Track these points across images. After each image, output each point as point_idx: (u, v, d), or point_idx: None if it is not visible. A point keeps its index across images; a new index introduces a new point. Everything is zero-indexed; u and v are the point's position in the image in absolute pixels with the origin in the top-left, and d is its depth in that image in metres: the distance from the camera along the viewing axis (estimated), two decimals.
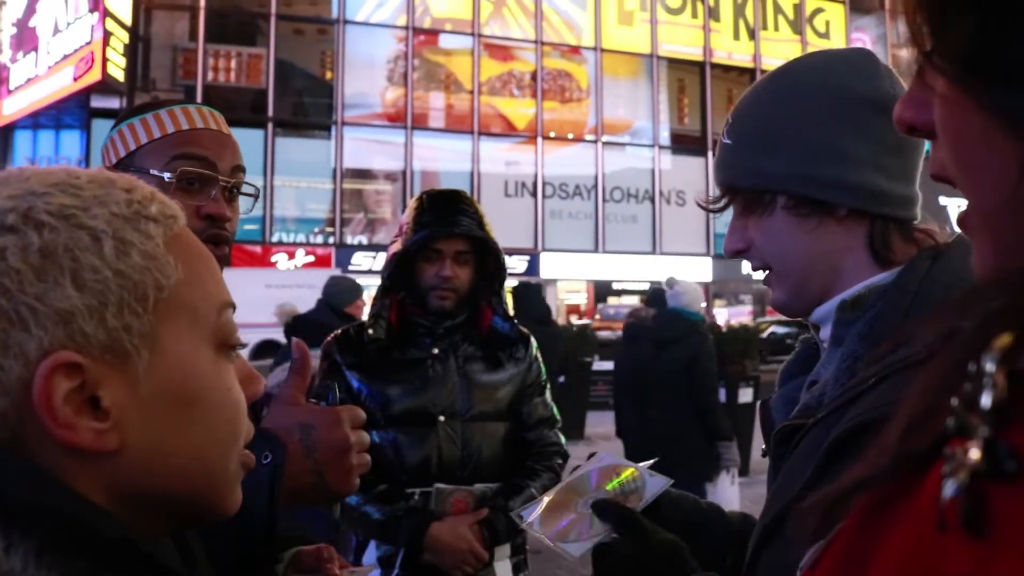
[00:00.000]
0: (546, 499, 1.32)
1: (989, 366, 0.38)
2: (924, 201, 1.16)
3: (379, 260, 21.90)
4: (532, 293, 8.70)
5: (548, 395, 2.62)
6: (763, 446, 1.27)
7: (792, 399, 1.21)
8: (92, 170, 0.74)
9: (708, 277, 28.59)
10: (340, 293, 5.85)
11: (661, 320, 6.13)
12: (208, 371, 0.73)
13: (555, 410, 2.62)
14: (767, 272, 1.19)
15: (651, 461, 1.36)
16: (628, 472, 1.30)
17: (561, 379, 12.33)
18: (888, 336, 1.03)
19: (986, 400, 0.37)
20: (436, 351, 2.43)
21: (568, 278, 27.85)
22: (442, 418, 2.38)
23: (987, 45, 0.43)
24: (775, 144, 1.14)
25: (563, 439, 2.61)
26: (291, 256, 25.08)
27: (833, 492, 0.49)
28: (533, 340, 2.61)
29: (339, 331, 2.50)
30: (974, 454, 0.37)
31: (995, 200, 0.46)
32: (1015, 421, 0.35)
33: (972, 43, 0.44)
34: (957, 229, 0.54)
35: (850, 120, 1.13)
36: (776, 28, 30.68)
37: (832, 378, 1.08)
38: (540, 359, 2.62)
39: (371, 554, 2.35)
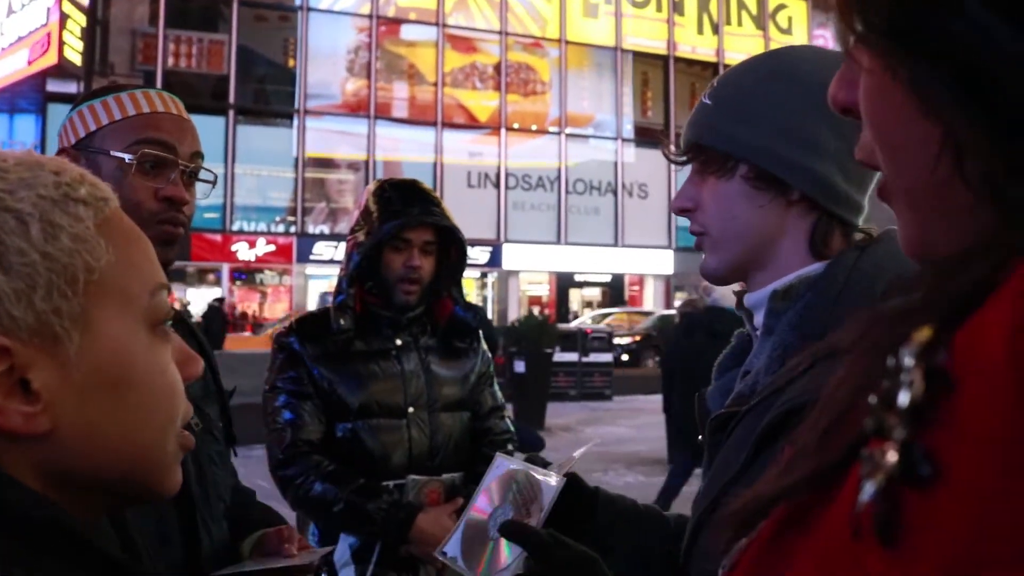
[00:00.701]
0: (461, 527, 1.31)
1: (907, 362, 0.36)
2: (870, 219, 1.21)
3: (341, 249, 21.77)
4: None
5: (496, 384, 2.65)
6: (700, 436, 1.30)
7: (728, 390, 1.24)
8: (20, 152, 0.73)
9: (670, 270, 28.79)
10: None
11: (714, 314, 6.57)
12: (142, 352, 0.72)
13: (501, 397, 2.66)
14: (703, 236, 1.22)
15: (542, 459, 1.38)
16: (522, 475, 1.30)
17: (521, 369, 12.39)
18: (818, 325, 1.07)
19: (903, 399, 0.35)
20: (399, 342, 2.42)
21: (531, 269, 27.89)
22: (411, 409, 2.38)
23: (907, 17, 0.42)
24: (755, 116, 1.16)
25: (512, 426, 2.64)
26: (252, 245, 24.89)
27: (751, 501, 0.48)
28: (481, 331, 2.62)
29: (295, 320, 2.47)
30: (891, 457, 0.35)
31: (916, 182, 0.45)
32: (933, 423, 0.34)
33: (892, 14, 0.43)
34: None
35: (829, 117, 1.14)
36: (739, 23, 30.89)
37: (764, 367, 1.11)
38: (487, 348, 2.65)
39: (342, 548, 2.33)
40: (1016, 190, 0.37)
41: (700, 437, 1.28)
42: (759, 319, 1.21)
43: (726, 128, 1.17)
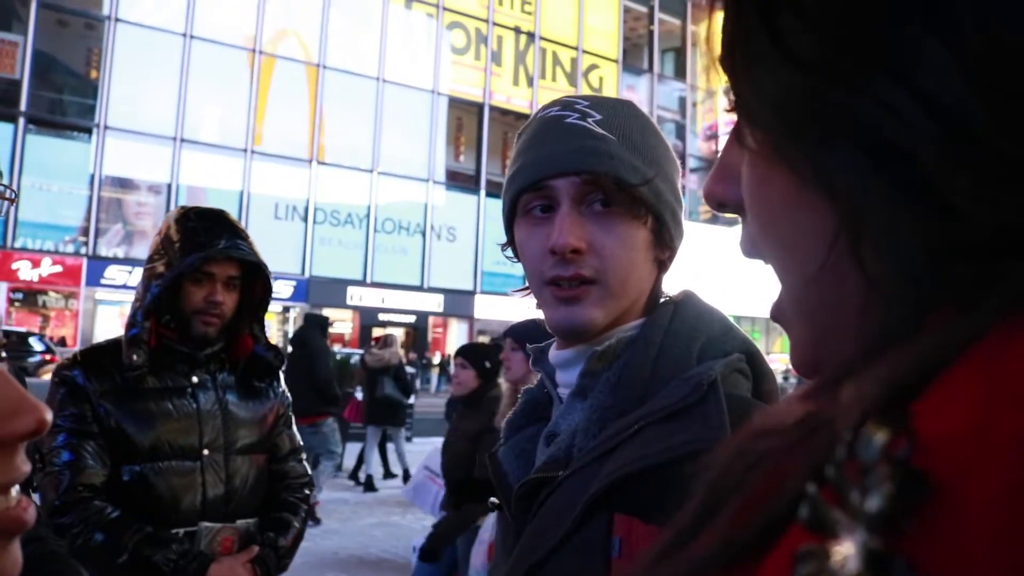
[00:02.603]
0: None
1: (869, 453, 0.32)
2: None
3: (136, 275, 20.79)
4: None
5: (294, 426, 2.56)
6: (492, 499, 1.25)
7: (523, 450, 1.20)
8: None
9: (474, 313, 29.06)
10: None
11: None
12: None
13: (299, 439, 2.58)
14: (590, 284, 1.11)
15: None
16: None
17: None
18: (637, 386, 1.05)
19: (872, 501, 0.31)
20: (195, 379, 2.29)
21: (334, 305, 27.49)
22: (206, 452, 2.24)
23: (804, 95, 0.39)
24: (652, 162, 1.14)
25: (309, 468, 2.56)
26: (36, 264, 23.33)
27: None
28: (281, 371, 2.53)
29: (79, 352, 2.28)
30: (851, 563, 0.30)
31: (805, 277, 0.42)
32: (909, 529, 0.30)
33: (783, 91, 0.40)
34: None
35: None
36: (554, 79, 31.91)
37: (582, 429, 1.07)
38: (287, 389, 2.56)
39: None
40: (931, 276, 0.35)
41: (494, 500, 1.23)
42: (563, 377, 1.18)
43: (636, 166, 1.12)
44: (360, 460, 10.88)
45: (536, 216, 1.14)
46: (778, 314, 0.48)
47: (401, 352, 11.02)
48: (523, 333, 4.00)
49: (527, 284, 1.20)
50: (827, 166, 0.38)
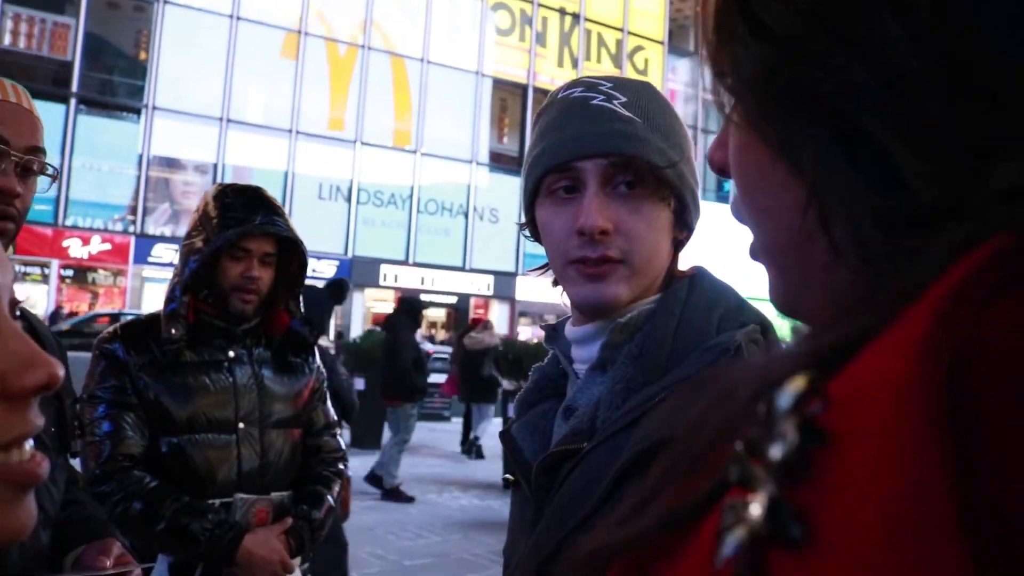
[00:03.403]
0: None
1: (780, 411, 0.34)
2: None
3: None
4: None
5: (328, 401, 2.60)
6: (505, 475, 1.27)
7: (539, 427, 1.22)
8: None
9: (516, 295, 29.09)
10: None
11: None
12: None
13: (334, 415, 2.62)
14: (617, 263, 1.13)
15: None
16: None
17: (362, 386, 12.21)
18: (659, 357, 1.08)
19: (776, 452, 0.33)
20: (232, 354, 2.34)
21: (376, 285, 27.65)
22: (242, 425, 2.29)
23: (771, 72, 0.41)
24: (675, 145, 1.16)
25: (343, 443, 2.60)
26: (86, 242, 23.73)
27: (595, 548, 0.45)
28: (316, 347, 2.57)
29: (119, 327, 2.34)
30: (755, 510, 0.33)
31: (780, 243, 0.45)
32: (806, 480, 0.31)
33: (757, 69, 0.42)
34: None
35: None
36: (599, 60, 31.71)
37: (605, 401, 1.08)
38: (322, 365, 2.60)
39: (160, 568, 2.22)
40: (882, 245, 0.36)
41: (509, 476, 1.25)
42: (581, 352, 1.20)
43: (662, 149, 1.13)
44: (467, 432, 11.95)
45: (561, 197, 1.15)
46: (754, 255, 0.51)
47: (498, 336, 12.03)
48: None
49: (546, 264, 1.23)
50: (793, 138, 0.40)
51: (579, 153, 1.12)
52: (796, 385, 0.34)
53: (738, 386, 0.40)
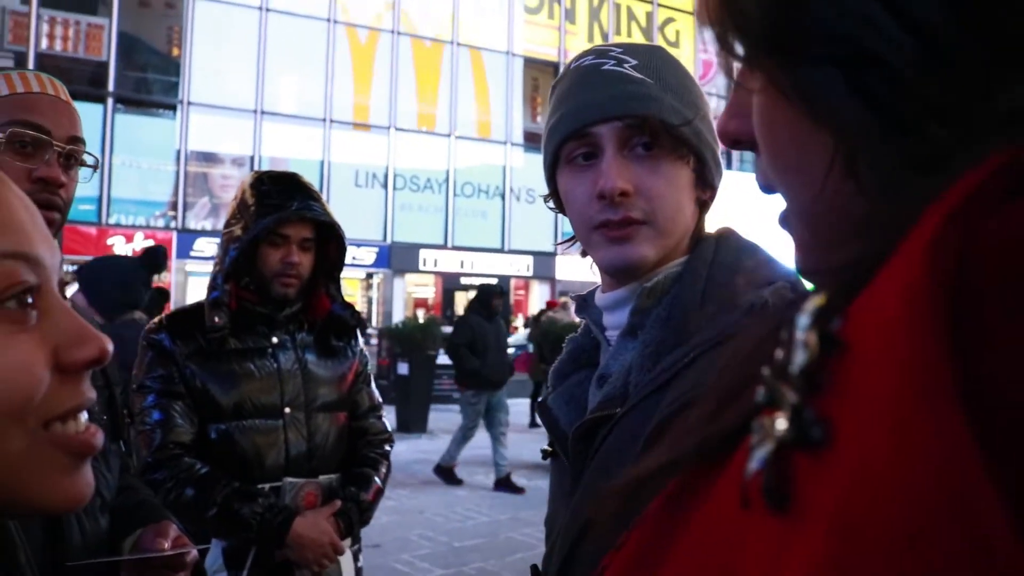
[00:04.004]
0: None
1: (801, 328, 0.35)
2: None
3: None
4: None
5: (373, 383, 2.62)
6: (544, 447, 1.28)
7: (574, 396, 1.23)
8: None
9: (555, 275, 29.06)
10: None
11: None
12: None
13: (378, 397, 2.64)
14: (641, 224, 1.15)
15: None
16: None
17: (405, 371, 12.32)
18: (688, 319, 1.08)
19: (795, 365, 0.35)
20: (275, 340, 2.36)
21: (416, 270, 27.75)
22: (288, 409, 2.32)
23: (779, 25, 0.41)
24: (690, 103, 1.17)
25: (389, 426, 2.61)
26: (129, 239, 24.05)
27: (637, 475, 0.47)
28: (359, 329, 2.58)
29: (165, 316, 2.37)
30: (780, 424, 0.34)
31: (811, 199, 0.45)
32: (825, 388, 0.33)
33: (765, 26, 0.42)
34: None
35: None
36: (629, 34, 31.42)
37: (636, 365, 1.09)
38: (364, 348, 2.61)
39: (215, 553, 2.25)
40: (906, 183, 0.37)
41: (545, 447, 1.27)
42: (612, 319, 1.21)
43: (678, 108, 1.14)
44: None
45: (579, 164, 1.17)
46: (784, 222, 0.50)
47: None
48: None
49: (573, 236, 1.24)
50: (815, 91, 0.40)
51: (594, 117, 1.13)
52: (815, 302, 0.36)
53: (766, 321, 0.42)
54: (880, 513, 0.28)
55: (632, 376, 1.09)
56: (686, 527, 0.43)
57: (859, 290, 0.34)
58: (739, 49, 0.45)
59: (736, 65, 0.48)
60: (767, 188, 0.51)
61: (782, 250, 1.13)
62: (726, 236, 1.20)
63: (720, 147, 1.21)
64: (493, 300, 9.46)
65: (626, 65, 1.15)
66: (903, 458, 0.28)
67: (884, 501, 0.28)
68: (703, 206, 1.21)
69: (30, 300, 0.66)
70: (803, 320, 0.35)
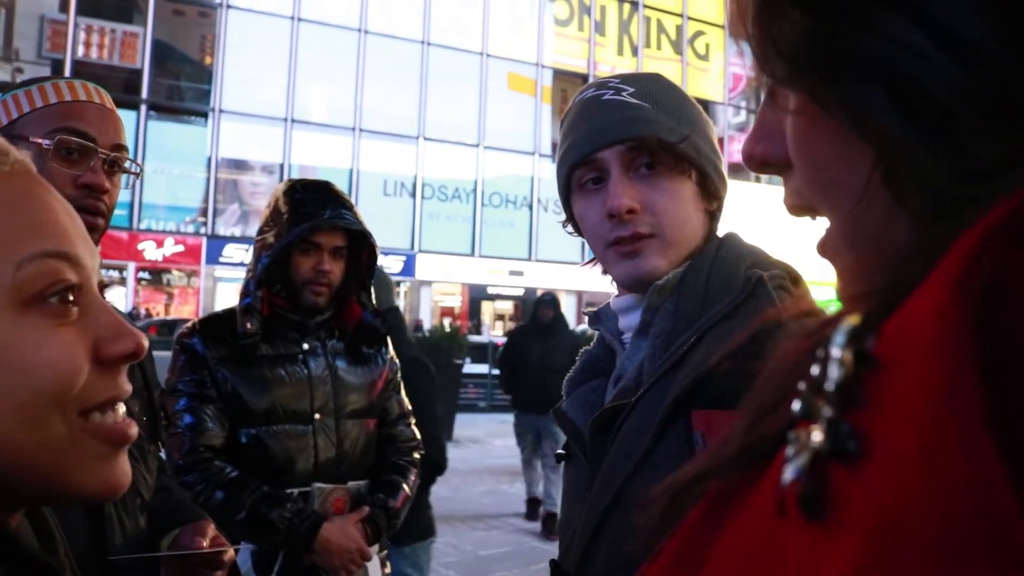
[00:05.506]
0: None
1: (836, 346, 0.36)
2: None
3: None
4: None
5: (403, 391, 2.63)
6: (558, 451, 1.35)
7: (589, 401, 1.28)
8: None
9: (582, 286, 29.04)
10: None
11: None
12: (2, 332, 0.65)
13: (408, 405, 2.64)
14: (648, 238, 1.22)
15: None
16: None
17: None
18: (694, 310, 1.15)
19: (831, 381, 0.36)
20: (306, 346, 2.37)
21: (443, 280, 27.83)
22: (318, 416, 2.33)
23: (821, 45, 0.41)
24: (686, 122, 1.25)
25: (417, 433, 2.62)
26: (160, 244, 24.29)
27: (678, 481, 0.48)
28: (389, 337, 2.60)
29: (198, 321, 2.39)
30: (816, 436, 0.35)
31: (851, 214, 0.45)
32: (860, 403, 0.34)
33: (806, 47, 0.42)
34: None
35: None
36: (659, 47, 31.41)
37: (648, 356, 1.15)
38: (395, 356, 2.62)
39: (243, 556, 2.27)
40: (946, 201, 0.37)
41: (563, 451, 1.33)
42: (626, 321, 1.27)
43: (675, 127, 1.22)
44: None
45: (590, 188, 1.26)
46: (823, 249, 0.50)
47: None
48: None
49: (593, 255, 1.32)
50: (853, 102, 0.41)
51: (598, 143, 1.22)
52: (850, 321, 0.37)
53: (802, 340, 0.42)
54: (913, 522, 0.29)
55: (645, 367, 1.15)
56: (723, 535, 0.44)
57: (893, 310, 0.35)
58: (778, 71, 0.45)
59: (768, 83, 0.48)
60: (798, 210, 0.51)
61: (787, 256, 1.20)
62: (729, 236, 1.28)
63: (723, 161, 1.31)
64: (539, 311, 8.10)
65: (624, 93, 1.25)
66: (934, 473, 0.29)
67: (917, 511, 0.29)
68: (712, 216, 1.29)
69: (71, 297, 0.70)
70: (839, 338, 0.36)
